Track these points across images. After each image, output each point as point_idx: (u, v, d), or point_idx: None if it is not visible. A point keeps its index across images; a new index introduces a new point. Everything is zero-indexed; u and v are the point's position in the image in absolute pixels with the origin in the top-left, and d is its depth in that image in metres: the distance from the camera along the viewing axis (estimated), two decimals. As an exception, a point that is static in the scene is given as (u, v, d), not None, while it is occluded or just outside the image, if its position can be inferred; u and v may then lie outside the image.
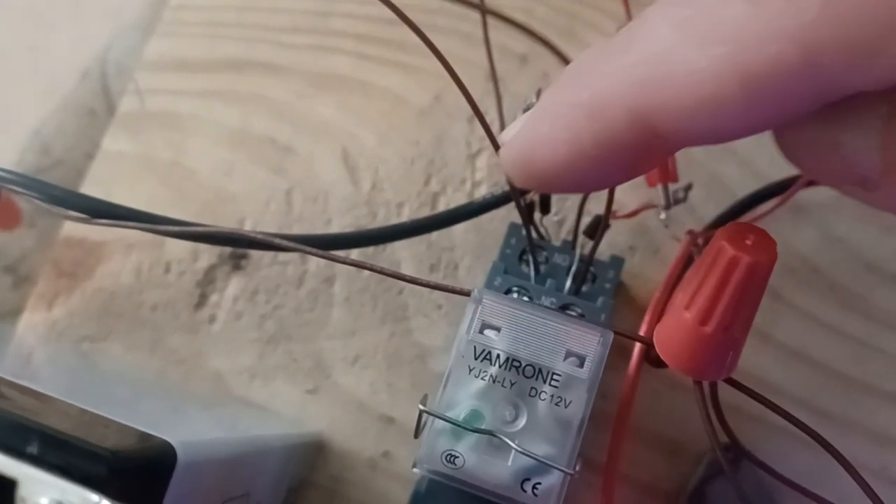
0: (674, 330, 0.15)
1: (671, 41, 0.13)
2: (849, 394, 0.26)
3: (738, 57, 0.12)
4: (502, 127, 0.26)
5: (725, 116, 0.13)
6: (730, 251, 0.13)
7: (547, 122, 0.15)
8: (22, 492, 0.13)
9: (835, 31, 0.11)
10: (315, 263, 0.28)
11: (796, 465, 0.22)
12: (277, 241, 0.18)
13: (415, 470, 0.17)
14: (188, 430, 0.21)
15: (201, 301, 0.28)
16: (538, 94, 0.22)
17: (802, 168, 0.15)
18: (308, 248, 0.18)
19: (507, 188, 0.23)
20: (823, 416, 0.26)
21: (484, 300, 0.17)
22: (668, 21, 0.13)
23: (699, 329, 0.14)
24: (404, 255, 0.28)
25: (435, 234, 0.28)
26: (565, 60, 0.30)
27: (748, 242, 0.13)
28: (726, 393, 0.17)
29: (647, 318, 0.22)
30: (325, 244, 0.24)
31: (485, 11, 0.27)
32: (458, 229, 0.28)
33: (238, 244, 0.26)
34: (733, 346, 0.15)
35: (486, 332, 0.17)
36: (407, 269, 0.28)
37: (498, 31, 0.30)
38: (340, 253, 0.26)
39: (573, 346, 0.17)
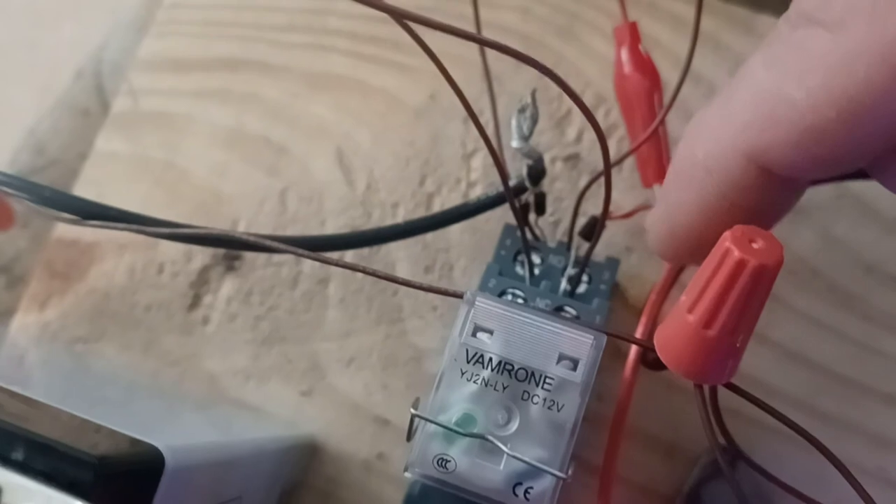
0: (676, 333, 0.15)
1: (768, 82, 0.14)
2: (847, 395, 0.26)
3: (831, 83, 0.13)
4: (497, 127, 0.26)
5: (829, 144, 0.13)
6: (736, 254, 0.13)
7: (674, 189, 0.16)
8: (7, 499, 0.13)
9: None
10: (310, 264, 0.28)
11: (794, 468, 0.22)
12: (268, 242, 0.18)
13: (406, 474, 0.17)
14: (181, 432, 0.21)
15: (195, 302, 0.28)
16: (533, 94, 0.22)
17: None
18: (298, 250, 0.18)
19: (501, 189, 0.22)
20: (821, 418, 0.26)
21: (476, 303, 0.17)
22: (762, 64, 0.14)
23: (702, 332, 0.14)
24: (399, 255, 0.28)
25: (430, 235, 0.28)
26: (563, 59, 0.30)
27: (755, 246, 0.13)
28: (724, 396, 0.17)
29: (642, 320, 0.22)
30: (320, 245, 0.24)
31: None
32: (454, 230, 0.28)
33: (229, 246, 0.26)
34: (736, 351, 0.15)
35: (479, 334, 0.17)
36: (402, 270, 0.28)
37: (494, 31, 0.29)
38: (335, 254, 0.26)
39: (566, 350, 0.17)
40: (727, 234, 0.14)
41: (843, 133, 0.13)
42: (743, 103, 0.14)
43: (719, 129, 0.15)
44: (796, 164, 0.14)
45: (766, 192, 0.15)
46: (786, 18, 0.14)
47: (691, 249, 0.17)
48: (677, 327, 0.15)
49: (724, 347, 0.14)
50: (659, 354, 0.15)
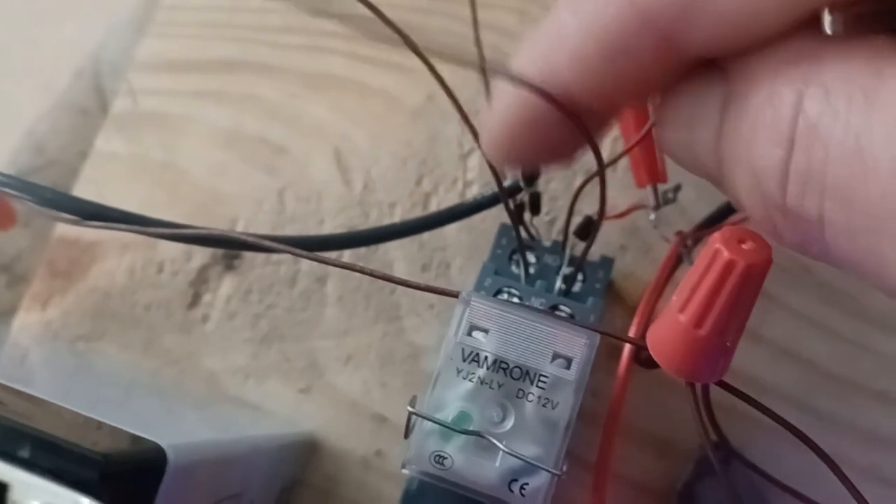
0: (668, 332, 0.15)
1: (561, 12, 0.15)
2: (839, 393, 0.27)
3: (594, 18, 0.14)
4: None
5: (596, 75, 0.14)
6: (726, 255, 0.13)
7: (497, 95, 0.16)
8: (13, 496, 0.13)
9: None
10: (308, 263, 0.29)
11: (788, 465, 0.22)
12: (266, 242, 0.19)
13: (404, 471, 0.17)
14: (181, 430, 0.21)
15: (194, 301, 0.29)
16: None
17: (681, 165, 0.16)
18: (295, 250, 0.18)
19: (496, 189, 0.23)
20: (814, 415, 0.26)
21: (472, 302, 0.17)
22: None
23: (693, 332, 0.14)
24: (397, 255, 0.28)
25: (427, 235, 0.28)
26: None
27: (744, 246, 0.13)
28: (719, 393, 0.17)
29: (636, 319, 0.22)
30: (317, 245, 0.24)
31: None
32: (451, 229, 0.28)
33: (228, 246, 0.26)
34: (727, 350, 0.15)
35: (475, 333, 0.17)
36: (399, 270, 0.28)
37: (491, 32, 0.30)
38: (332, 254, 0.26)
39: (560, 348, 0.17)
40: (717, 234, 0.14)
41: (602, 66, 0.14)
42: (545, 27, 0.15)
43: (528, 49, 0.15)
44: (573, 88, 0.15)
45: (557, 116, 0.15)
46: None
47: (505, 150, 0.17)
48: (669, 327, 0.15)
49: (715, 347, 0.14)
50: (651, 353, 0.16)
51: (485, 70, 0.28)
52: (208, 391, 0.28)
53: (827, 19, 0.13)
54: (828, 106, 0.12)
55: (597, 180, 0.19)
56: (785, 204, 0.13)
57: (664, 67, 0.14)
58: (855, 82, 0.12)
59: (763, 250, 0.14)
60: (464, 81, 0.29)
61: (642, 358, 0.24)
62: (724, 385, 0.17)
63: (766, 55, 0.13)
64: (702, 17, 0.13)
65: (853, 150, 0.12)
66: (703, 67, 0.15)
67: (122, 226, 0.22)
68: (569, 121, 0.16)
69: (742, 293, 0.14)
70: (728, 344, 0.15)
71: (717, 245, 0.14)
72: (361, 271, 0.18)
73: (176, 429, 0.21)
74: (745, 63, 0.14)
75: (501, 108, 0.16)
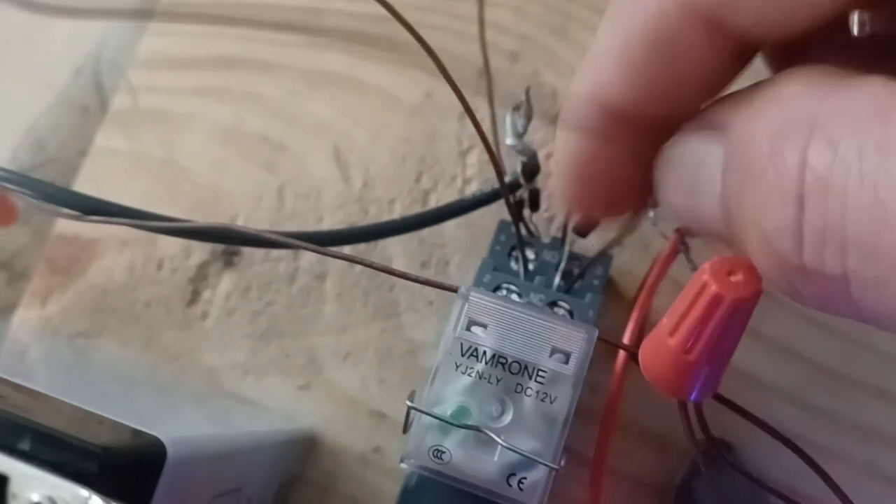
0: (657, 352, 0.15)
1: (601, 34, 0.16)
2: (838, 389, 0.27)
3: (635, 24, 0.14)
4: (493, 124, 0.26)
5: (645, 79, 0.15)
6: (713, 288, 0.13)
7: (560, 137, 0.17)
8: (13, 488, 0.14)
9: None
10: (307, 260, 0.29)
11: (787, 462, 0.22)
12: (267, 235, 0.19)
13: (402, 465, 0.17)
14: (180, 426, 0.21)
15: (194, 297, 0.29)
16: (527, 92, 0.22)
17: (695, 232, 0.17)
18: (299, 243, 0.18)
19: (496, 185, 0.23)
20: (813, 412, 0.26)
21: (471, 297, 0.17)
22: (602, 21, 0.16)
23: (682, 356, 0.14)
24: (396, 251, 0.29)
25: (426, 231, 0.28)
26: (557, 57, 0.30)
27: (732, 279, 0.14)
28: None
29: (633, 318, 0.22)
30: (316, 241, 0.24)
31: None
32: (450, 226, 0.28)
33: (228, 240, 0.26)
34: (716, 373, 0.15)
35: (473, 328, 0.17)
36: (398, 266, 0.28)
37: (489, 29, 0.30)
38: (333, 250, 0.26)
39: (558, 343, 0.17)
40: (706, 265, 0.14)
41: (651, 68, 0.15)
42: (589, 55, 0.16)
43: (577, 83, 0.16)
44: (626, 101, 0.15)
45: (617, 136, 0.16)
46: None
47: (576, 193, 0.18)
48: (659, 348, 0.15)
49: (703, 371, 0.15)
50: (642, 370, 0.16)
51: (487, 68, 0.28)
52: (207, 387, 0.28)
53: (855, 19, 0.13)
54: (837, 158, 0.12)
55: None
56: (803, 264, 0.12)
57: (710, 56, 0.14)
58: (862, 131, 0.12)
59: (752, 283, 0.14)
60: (460, 81, 0.29)
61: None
62: (715, 396, 0.17)
63: (761, 115, 0.13)
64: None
65: (871, 200, 0.11)
66: (697, 132, 0.15)
67: (123, 220, 0.22)
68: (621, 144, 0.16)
69: (729, 325, 0.14)
70: (716, 369, 0.15)
71: (704, 277, 0.14)
72: (362, 263, 0.18)
73: (175, 424, 0.21)
74: (742, 125, 0.14)
75: (562, 154, 0.17)
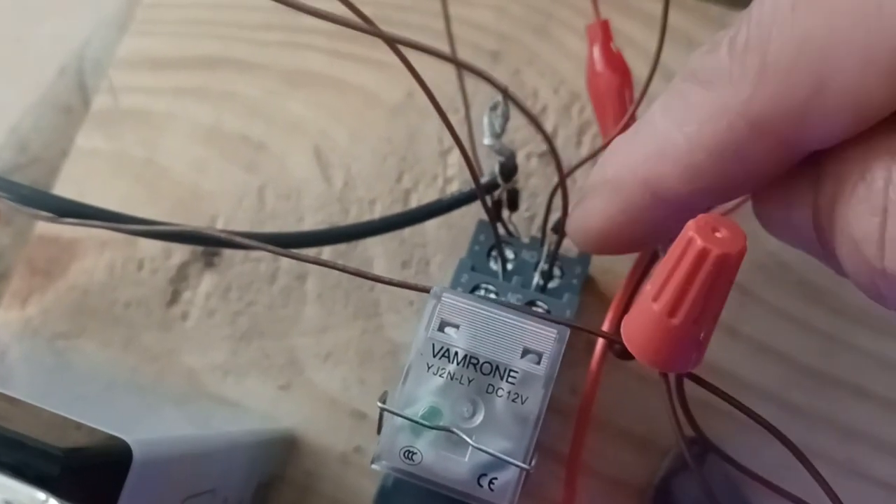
0: (641, 321, 0.15)
1: (662, 124, 0.17)
2: (817, 388, 0.27)
3: (703, 131, 0.16)
4: (470, 126, 0.26)
5: (703, 180, 0.16)
6: (699, 243, 0.13)
7: (589, 196, 0.19)
8: (-26, 492, 0.13)
9: (767, 103, 0.15)
10: (288, 260, 0.29)
11: (766, 458, 0.22)
12: (240, 239, 0.19)
13: (373, 466, 0.17)
14: (157, 427, 0.21)
15: (174, 298, 0.29)
16: (504, 92, 0.22)
17: (781, 240, 0.18)
18: (269, 247, 0.18)
19: (473, 185, 0.23)
20: (791, 410, 0.26)
21: (443, 298, 0.17)
22: (660, 107, 0.17)
23: (667, 321, 0.14)
24: (377, 252, 0.29)
25: (407, 231, 0.28)
26: (538, 57, 0.30)
27: (718, 235, 0.13)
28: (698, 388, 0.17)
29: (609, 314, 0.22)
30: (296, 242, 0.24)
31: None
32: (431, 226, 0.28)
33: (203, 242, 0.26)
34: (700, 340, 0.15)
35: (446, 329, 0.17)
36: (379, 266, 0.28)
37: (469, 29, 0.30)
38: (312, 250, 0.26)
39: (530, 344, 0.17)
40: (691, 223, 0.14)
41: (712, 171, 0.16)
42: (644, 138, 0.17)
43: (626, 156, 0.18)
44: (681, 194, 0.17)
45: (658, 213, 0.17)
46: (681, 71, 0.17)
47: (599, 246, 0.20)
48: (643, 316, 0.15)
49: (688, 336, 0.14)
50: (625, 343, 0.16)
51: (460, 65, 0.28)
52: (188, 388, 0.28)
53: None
54: None
55: (576, 175, 0.20)
56: (884, 269, 0.14)
57: (775, 165, 0.16)
58: None
59: (737, 239, 0.14)
60: (445, 78, 0.29)
61: (618, 349, 0.24)
62: (695, 378, 0.17)
63: (857, 140, 0.15)
64: (815, 119, 0.14)
65: None
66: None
67: (99, 223, 0.22)
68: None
69: (716, 282, 0.14)
70: (702, 334, 0.15)
71: (690, 233, 0.14)
72: (335, 267, 0.18)
73: (152, 426, 0.21)
74: (839, 148, 0.15)
75: (600, 211, 0.19)
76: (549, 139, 0.18)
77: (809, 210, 0.16)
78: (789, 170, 0.16)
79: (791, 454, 0.17)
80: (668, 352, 0.15)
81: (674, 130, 0.16)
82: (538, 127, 0.19)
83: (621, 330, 0.16)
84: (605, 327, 0.22)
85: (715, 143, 0.16)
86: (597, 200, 0.19)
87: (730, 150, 0.15)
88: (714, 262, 0.13)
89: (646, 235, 0.19)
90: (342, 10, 0.18)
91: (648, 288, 0.15)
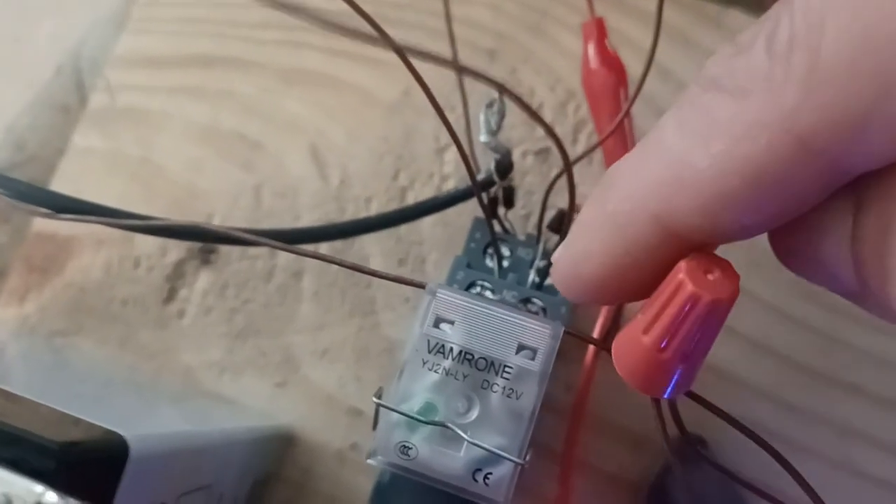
0: (631, 349, 0.15)
1: (677, 145, 0.14)
2: (813, 386, 0.27)
3: (736, 151, 0.13)
4: (467, 124, 0.26)
5: (734, 211, 0.13)
6: (689, 288, 0.13)
7: (583, 236, 0.16)
8: (-29, 485, 0.13)
9: (819, 115, 0.12)
10: (284, 258, 0.29)
11: (761, 458, 0.22)
12: (238, 234, 0.19)
13: (369, 461, 0.17)
14: (154, 424, 0.21)
15: (171, 296, 0.29)
16: (500, 90, 0.22)
17: (804, 277, 0.15)
18: (268, 241, 0.18)
19: (469, 183, 0.23)
20: (788, 409, 0.27)
21: (438, 294, 0.17)
22: (673, 125, 0.14)
23: (656, 354, 0.14)
24: (373, 249, 0.29)
25: (403, 229, 0.28)
26: (534, 55, 0.30)
27: (710, 277, 0.13)
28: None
29: (603, 314, 0.22)
30: (293, 238, 0.25)
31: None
32: (427, 223, 0.28)
33: (201, 238, 0.26)
34: (689, 371, 0.15)
35: (442, 325, 0.17)
36: (375, 264, 0.28)
37: (466, 28, 0.30)
38: (308, 248, 0.26)
39: (525, 340, 0.17)
40: (682, 263, 0.13)
41: (747, 200, 0.13)
42: (654, 163, 0.14)
43: (631, 185, 0.15)
44: (702, 230, 0.14)
45: (670, 253, 0.14)
46: (697, 80, 0.14)
47: (595, 294, 0.16)
48: (632, 344, 0.15)
49: (677, 369, 0.14)
50: (615, 366, 0.16)
51: (459, 67, 0.28)
52: (185, 386, 0.28)
53: None
54: None
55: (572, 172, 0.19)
56: None
57: (820, 192, 0.13)
58: None
59: (730, 282, 0.13)
60: (440, 75, 0.29)
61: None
62: (688, 393, 0.17)
63: None
64: (878, 132, 0.12)
65: None
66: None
67: (96, 218, 0.22)
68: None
69: (705, 325, 0.13)
70: (691, 367, 0.15)
71: (680, 276, 0.13)
72: (332, 261, 0.18)
73: (149, 422, 0.21)
74: (886, 169, 0.13)
75: (598, 254, 0.15)
76: (550, 130, 0.17)
77: (845, 242, 0.13)
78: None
79: (781, 458, 0.17)
80: (656, 382, 0.15)
81: (695, 152, 0.13)
82: (538, 120, 0.18)
83: (612, 352, 0.16)
84: (599, 325, 0.23)
85: (751, 166, 0.13)
86: (594, 240, 0.16)
87: (770, 173, 0.13)
88: (705, 306, 0.13)
89: (653, 281, 0.15)
90: (342, 7, 0.18)
91: (640, 317, 0.14)
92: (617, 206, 0.15)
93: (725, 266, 0.13)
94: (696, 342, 0.14)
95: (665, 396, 0.16)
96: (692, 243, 0.14)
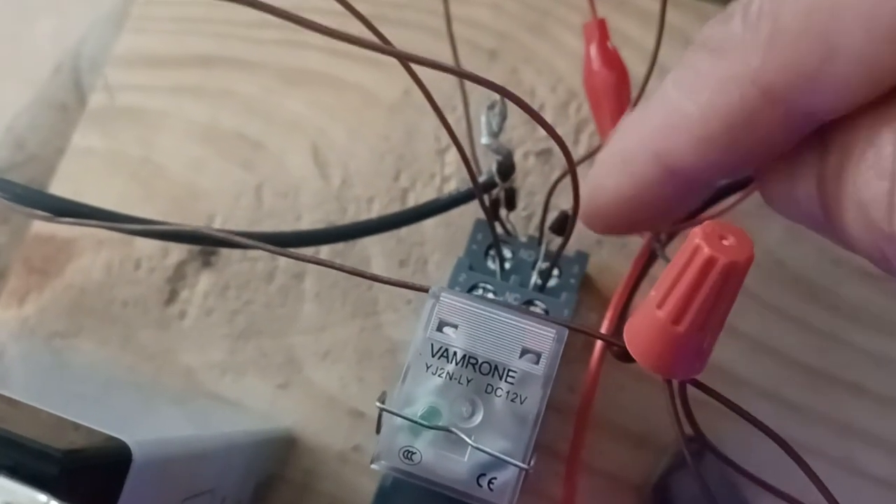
0: (645, 327, 0.15)
1: (673, 96, 0.17)
2: (814, 385, 0.27)
3: (715, 100, 0.16)
4: (469, 125, 0.26)
5: (717, 150, 0.16)
6: (706, 251, 0.13)
7: (599, 171, 0.19)
8: (-28, 493, 0.13)
9: (778, 70, 0.15)
10: (286, 259, 0.28)
11: (764, 455, 0.22)
12: (237, 238, 0.19)
13: (373, 466, 0.17)
14: (155, 427, 0.21)
15: (172, 297, 0.29)
16: (502, 93, 0.22)
17: (785, 216, 0.18)
18: (267, 246, 0.18)
19: (471, 184, 0.23)
20: (789, 408, 0.27)
21: (441, 298, 0.17)
22: (671, 80, 0.17)
23: (671, 328, 0.14)
24: (375, 251, 0.28)
25: (405, 230, 0.28)
26: (535, 55, 0.30)
27: (725, 242, 0.13)
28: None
29: (608, 314, 0.22)
30: (294, 241, 0.24)
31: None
32: (428, 225, 0.28)
33: (200, 242, 0.26)
34: (704, 347, 0.15)
35: (445, 329, 0.17)
36: (377, 265, 0.28)
37: (467, 27, 0.30)
38: (309, 249, 0.26)
39: (529, 343, 0.17)
40: (697, 230, 0.13)
41: (726, 142, 0.16)
42: (655, 111, 0.17)
43: (636, 129, 0.18)
44: (693, 166, 0.17)
45: (668, 188, 0.17)
46: (692, 44, 0.17)
47: (608, 223, 0.20)
48: (646, 322, 0.15)
49: (692, 343, 0.14)
50: (628, 348, 0.16)
51: (459, 73, 0.28)
52: (186, 387, 0.28)
53: None
54: None
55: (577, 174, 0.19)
56: (892, 232, 0.14)
57: (786, 135, 0.16)
58: None
59: (744, 247, 0.13)
60: (441, 75, 0.28)
61: (618, 352, 0.24)
62: (696, 383, 0.17)
63: (866, 109, 0.15)
64: (826, 86, 0.14)
65: None
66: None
67: (95, 222, 0.22)
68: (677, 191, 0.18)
69: (722, 291, 0.13)
70: (706, 341, 0.15)
71: (697, 241, 0.13)
72: (332, 266, 0.18)
73: (150, 425, 0.21)
74: (847, 117, 0.15)
75: (610, 187, 0.19)
76: (554, 133, 0.17)
77: (814, 181, 0.16)
78: (796, 143, 0.16)
79: (789, 448, 0.17)
80: (671, 358, 0.15)
81: (686, 101, 0.16)
82: (542, 123, 0.18)
83: (624, 334, 0.16)
84: (604, 327, 0.22)
85: (727, 112, 0.15)
86: (607, 175, 0.19)
87: (742, 119, 0.15)
88: (721, 270, 0.13)
89: (656, 212, 0.19)
90: (342, 9, 0.18)
91: (653, 294, 0.14)
92: (625, 146, 0.18)
93: (739, 232, 0.13)
94: (712, 312, 0.14)
95: (678, 376, 0.16)
96: (685, 180, 0.17)
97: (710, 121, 0.16)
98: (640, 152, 0.17)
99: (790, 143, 0.16)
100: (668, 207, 0.19)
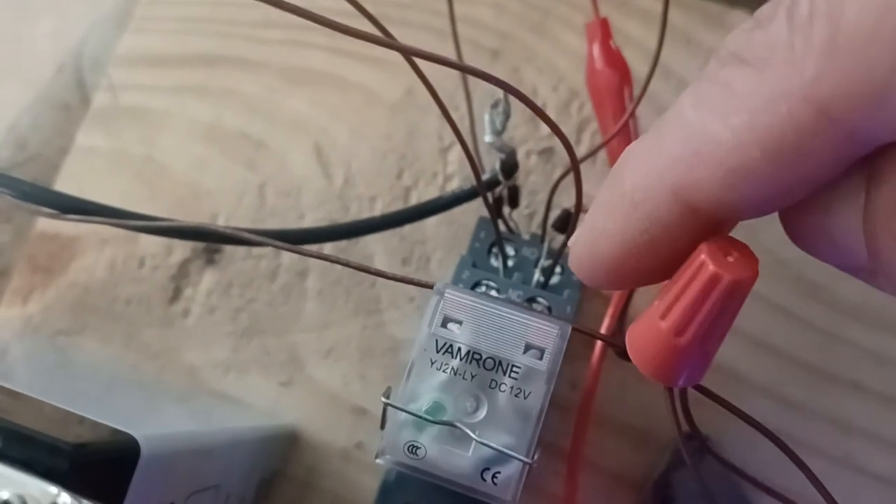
0: (647, 336, 0.15)
1: (695, 119, 0.14)
2: (814, 383, 0.27)
3: (755, 123, 0.13)
4: (472, 123, 0.26)
5: (754, 183, 0.13)
6: (711, 268, 0.13)
7: (600, 216, 0.16)
8: (-16, 486, 0.14)
9: (839, 83, 0.12)
10: (288, 257, 0.29)
11: (764, 453, 0.22)
12: (243, 234, 0.19)
13: (378, 461, 0.17)
14: (159, 423, 0.21)
15: (175, 295, 0.29)
16: (505, 91, 0.22)
17: (809, 251, 0.15)
18: (274, 242, 0.18)
19: (475, 182, 0.23)
20: (789, 405, 0.27)
21: (446, 294, 0.17)
22: (691, 101, 0.14)
23: (673, 340, 0.14)
24: (377, 248, 0.29)
25: (407, 228, 0.28)
26: (537, 54, 0.30)
27: (730, 259, 0.13)
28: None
29: (609, 311, 0.22)
30: (297, 238, 0.25)
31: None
32: (430, 223, 0.28)
33: (206, 238, 0.26)
34: (705, 358, 0.15)
35: (449, 325, 0.18)
36: (380, 263, 0.28)
37: (469, 27, 0.30)
38: (312, 248, 0.26)
39: (533, 339, 0.17)
40: (703, 245, 0.13)
41: (768, 172, 0.13)
42: (672, 139, 0.14)
43: (649, 162, 0.15)
44: (722, 203, 0.14)
45: (689, 230, 0.14)
46: (716, 57, 0.14)
47: (612, 278, 0.16)
48: (649, 331, 0.15)
49: (694, 355, 0.14)
50: (629, 354, 0.16)
51: (464, 68, 0.28)
52: (189, 385, 0.28)
53: None
54: None
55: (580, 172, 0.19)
56: None
57: (837, 164, 0.13)
58: None
59: (749, 264, 0.13)
60: (445, 74, 0.29)
61: (619, 349, 0.24)
62: (697, 386, 0.17)
63: None
64: (891, 104, 0.12)
65: None
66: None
67: (100, 219, 0.22)
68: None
69: (725, 307, 0.13)
70: (707, 353, 0.15)
71: (702, 257, 0.13)
72: (338, 261, 0.18)
73: (154, 422, 0.22)
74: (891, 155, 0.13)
75: (614, 233, 0.15)
76: (558, 130, 0.17)
77: (857, 216, 0.13)
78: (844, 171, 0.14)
79: (788, 449, 0.17)
80: (672, 368, 0.15)
81: (714, 124, 0.13)
82: (546, 120, 0.18)
83: (626, 340, 0.16)
84: (606, 324, 0.23)
85: (770, 136, 0.13)
86: (609, 218, 0.15)
87: (790, 144, 0.13)
88: (726, 287, 0.13)
89: (670, 262, 0.15)
90: (346, 7, 0.18)
91: (657, 303, 0.14)
92: (635, 182, 0.15)
93: (744, 249, 0.13)
94: (714, 327, 0.14)
95: (678, 385, 0.16)
96: (710, 221, 0.14)
97: (747, 148, 0.13)
98: (654, 189, 0.14)
99: (838, 172, 0.13)
100: (686, 254, 0.15)
